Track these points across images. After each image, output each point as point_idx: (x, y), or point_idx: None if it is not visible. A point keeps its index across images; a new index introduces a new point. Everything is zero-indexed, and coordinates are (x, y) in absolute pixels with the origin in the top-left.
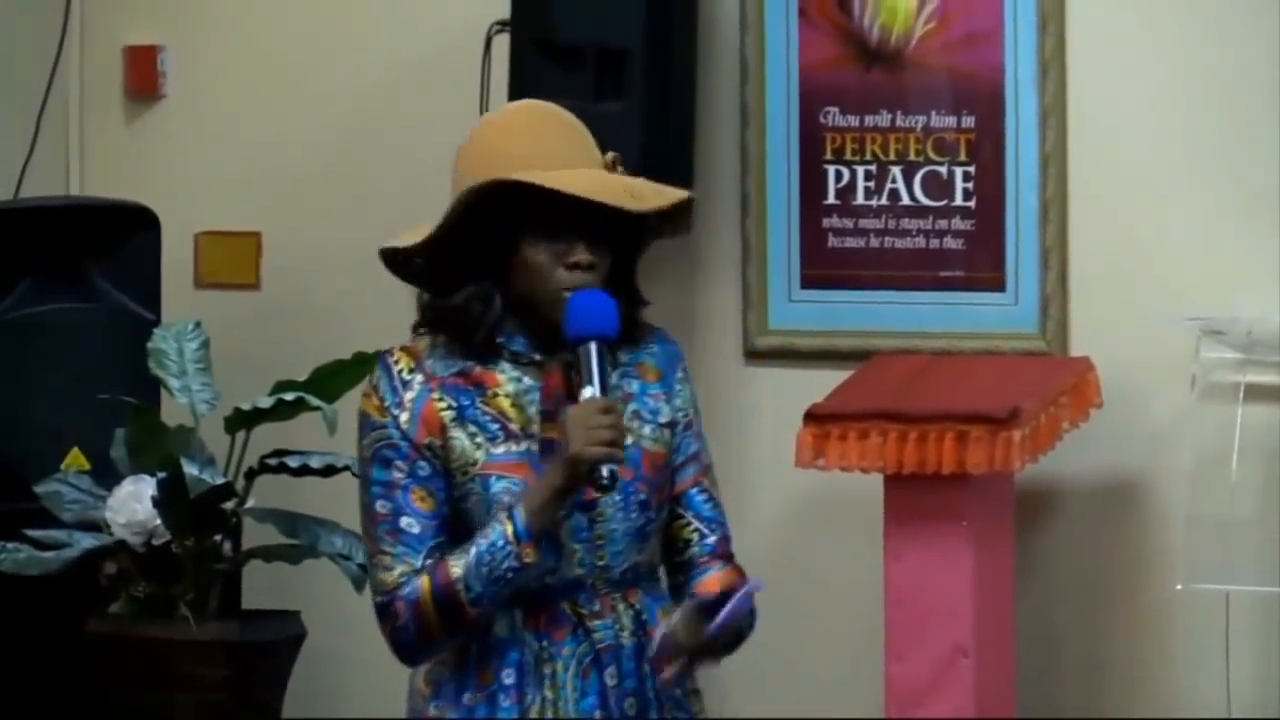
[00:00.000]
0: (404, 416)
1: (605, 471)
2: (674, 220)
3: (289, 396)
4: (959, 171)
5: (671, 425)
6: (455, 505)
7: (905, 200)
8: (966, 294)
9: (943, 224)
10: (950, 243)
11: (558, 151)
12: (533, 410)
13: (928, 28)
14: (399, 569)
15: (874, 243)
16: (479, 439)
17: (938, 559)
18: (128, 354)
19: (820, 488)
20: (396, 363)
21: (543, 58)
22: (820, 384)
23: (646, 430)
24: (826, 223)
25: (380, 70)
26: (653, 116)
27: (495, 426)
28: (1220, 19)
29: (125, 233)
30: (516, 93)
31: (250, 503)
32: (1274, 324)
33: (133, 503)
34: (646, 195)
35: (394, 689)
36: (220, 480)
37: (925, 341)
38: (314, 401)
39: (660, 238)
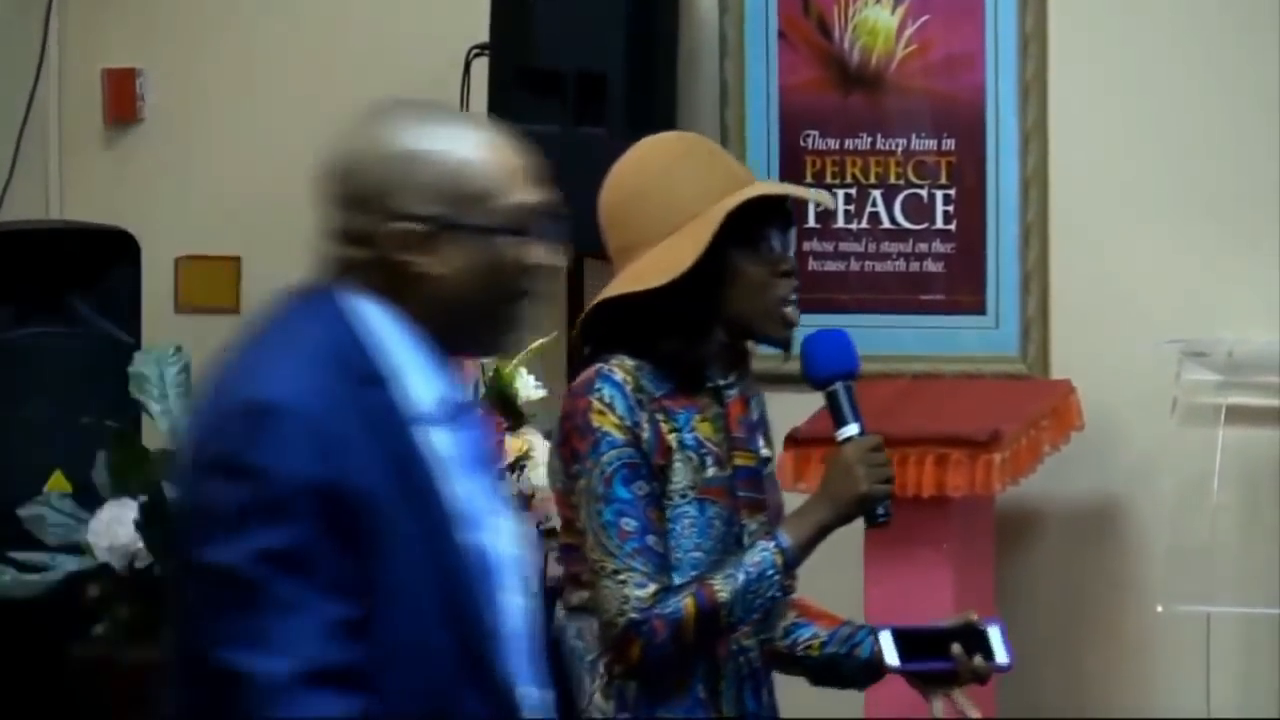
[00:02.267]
0: (645, 435)
1: (882, 509)
2: None
3: None
4: (939, 195)
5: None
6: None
7: (886, 224)
8: (947, 317)
9: (923, 247)
10: (931, 266)
11: (738, 168)
12: (722, 437)
13: (908, 50)
14: (651, 587)
15: (854, 266)
16: (694, 463)
17: (918, 582)
18: (109, 378)
19: None
20: (625, 381)
21: (522, 82)
22: (802, 408)
23: (770, 465)
24: (807, 246)
25: (360, 94)
26: (633, 141)
27: (704, 452)
28: (1203, 44)
29: (105, 257)
30: (495, 117)
31: None
32: (1255, 346)
33: (115, 526)
34: (822, 198)
35: None
36: None
37: (906, 365)
38: None
39: None
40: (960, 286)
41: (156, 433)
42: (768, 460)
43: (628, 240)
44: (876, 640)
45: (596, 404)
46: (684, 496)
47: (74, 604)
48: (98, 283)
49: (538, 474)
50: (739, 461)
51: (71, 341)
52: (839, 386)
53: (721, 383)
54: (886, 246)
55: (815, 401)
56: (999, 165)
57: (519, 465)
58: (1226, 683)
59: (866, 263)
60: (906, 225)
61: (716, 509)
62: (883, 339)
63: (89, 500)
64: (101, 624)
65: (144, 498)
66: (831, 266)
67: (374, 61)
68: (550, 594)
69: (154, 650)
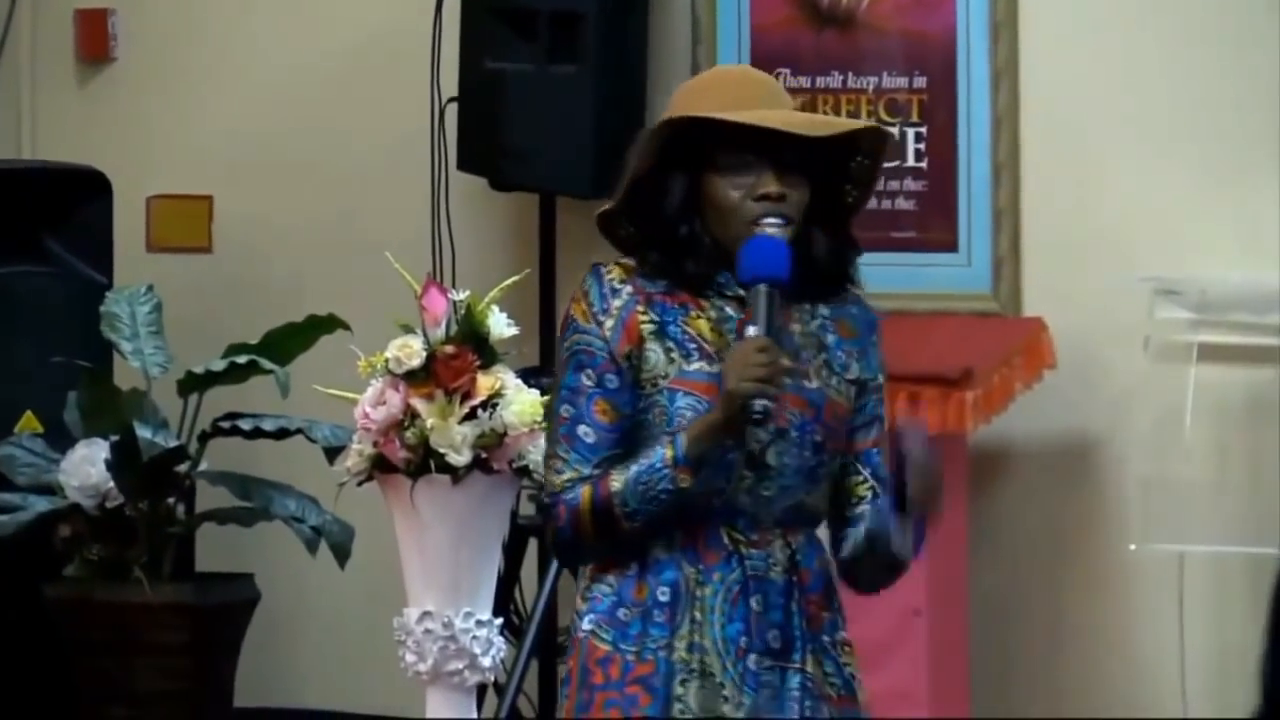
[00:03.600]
0: (609, 323)
1: (758, 406)
2: (869, 167)
3: (241, 360)
4: (911, 133)
5: (858, 383)
6: (638, 419)
7: None
8: (919, 255)
9: (895, 185)
10: (902, 204)
11: (748, 97)
12: (730, 338)
13: None
14: (567, 474)
15: None
16: (674, 354)
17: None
18: (80, 318)
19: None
20: (609, 272)
21: (495, 20)
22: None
23: (833, 381)
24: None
25: (333, 34)
26: (606, 79)
27: (692, 345)
28: None
29: (77, 197)
30: (468, 57)
31: (203, 466)
32: (1228, 284)
33: (86, 466)
34: (833, 124)
35: (345, 650)
36: (173, 443)
37: (877, 302)
38: (266, 364)
39: (866, 183)
40: (932, 224)
41: (128, 372)
42: (806, 373)
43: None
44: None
45: (576, 294)
46: (654, 385)
47: (45, 544)
48: (69, 222)
49: (509, 412)
50: None
51: (43, 281)
52: (760, 289)
53: (743, 293)
54: None
55: None
56: (970, 103)
57: (490, 403)
58: (1200, 620)
59: None
60: None
61: (692, 400)
62: None
63: (60, 440)
64: (73, 563)
65: (115, 438)
66: None
67: (347, 3)
68: (522, 532)
69: (126, 590)
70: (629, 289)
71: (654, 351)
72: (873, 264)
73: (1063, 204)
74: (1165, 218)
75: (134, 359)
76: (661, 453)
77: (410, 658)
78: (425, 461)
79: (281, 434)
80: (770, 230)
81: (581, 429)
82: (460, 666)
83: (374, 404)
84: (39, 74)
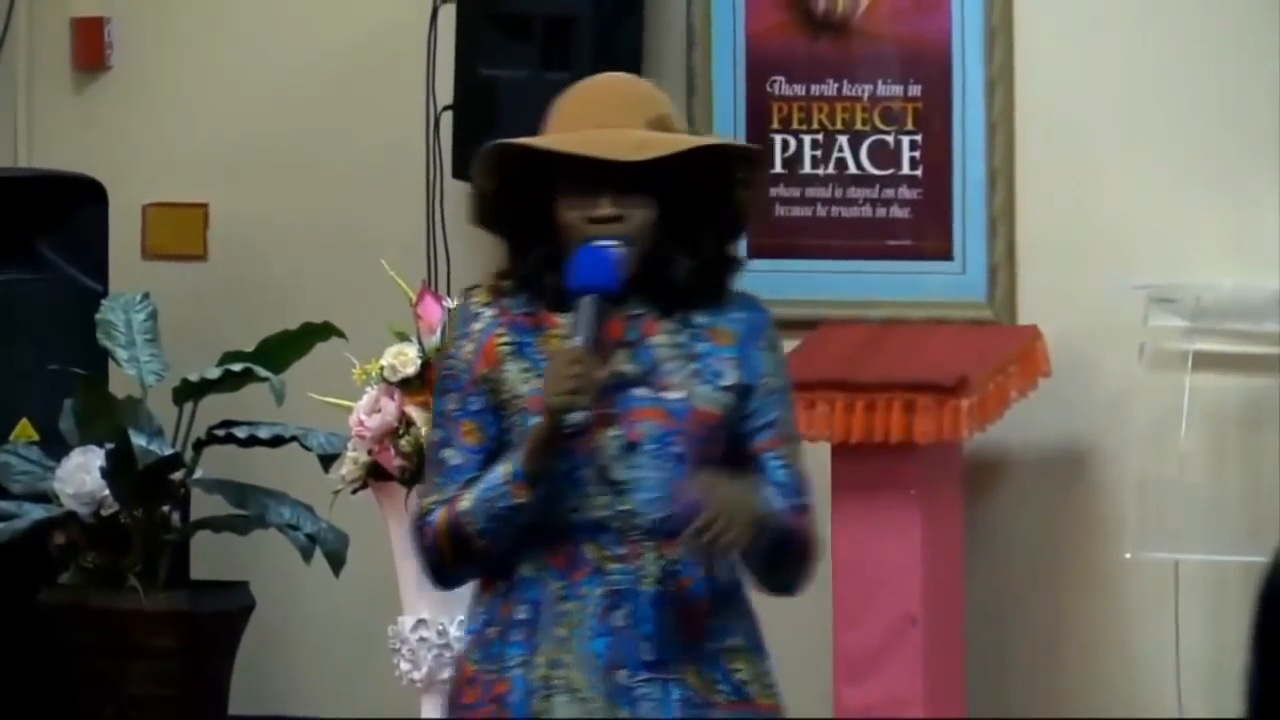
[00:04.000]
0: (468, 347)
1: (573, 418)
2: (751, 179)
3: (236, 367)
4: (906, 140)
5: (738, 389)
6: (502, 439)
7: (852, 169)
8: (914, 263)
9: (890, 193)
10: (897, 212)
11: (599, 114)
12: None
13: None
14: (433, 496)
15: (821, 212)
16: (529, 374)
17: (886, 528)
18: (76, 325)
19: None
20: (474, 297)
21: (490, 27)
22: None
23: (702, 390)
24: (773, 192)
25: (328, 41)
26: None
27: (544, 364)
28: None
29: (73, 204)
30: (463, 65)
31: (198, 473)
32: (1223, 291)
33: (81, 473)
34: (657, 147)
35: (340, 658)
36: (168, 451)
37: (872, 311)
38: (261, 372)
39: (744, 199)
40: (927, 232)
41: (123, 380)
42: (636, 381)
43: None
44: None
45: (449, 321)
46: (512, 407)
47: (41, 551)
48: (65, 230)
49: None
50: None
51: (38, 288)
52: (585, 300)
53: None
54: (853, 192)
55: None
56: (965, 110)
57: None
58: (1195, 628)
59: (833, 208)
60: (873, 171)
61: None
62: (849, 284)
63: (55, 448)
64: (68, 571)
65: (110, 445)
66: (798, 212)
67: (342, 8)
68: None
69: (121, 597)
70: (491, 311)
71: (509, 372)
72: (868, 272)
73: (1058, 211)
74: (1161, 225)
75: (129, 367)
76: (500, 469)
77: (405, 665)
78: (420, 469)
79: (276, 441)
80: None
81: (447, 452)
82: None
83: (369, 411)
84: (35, 81)
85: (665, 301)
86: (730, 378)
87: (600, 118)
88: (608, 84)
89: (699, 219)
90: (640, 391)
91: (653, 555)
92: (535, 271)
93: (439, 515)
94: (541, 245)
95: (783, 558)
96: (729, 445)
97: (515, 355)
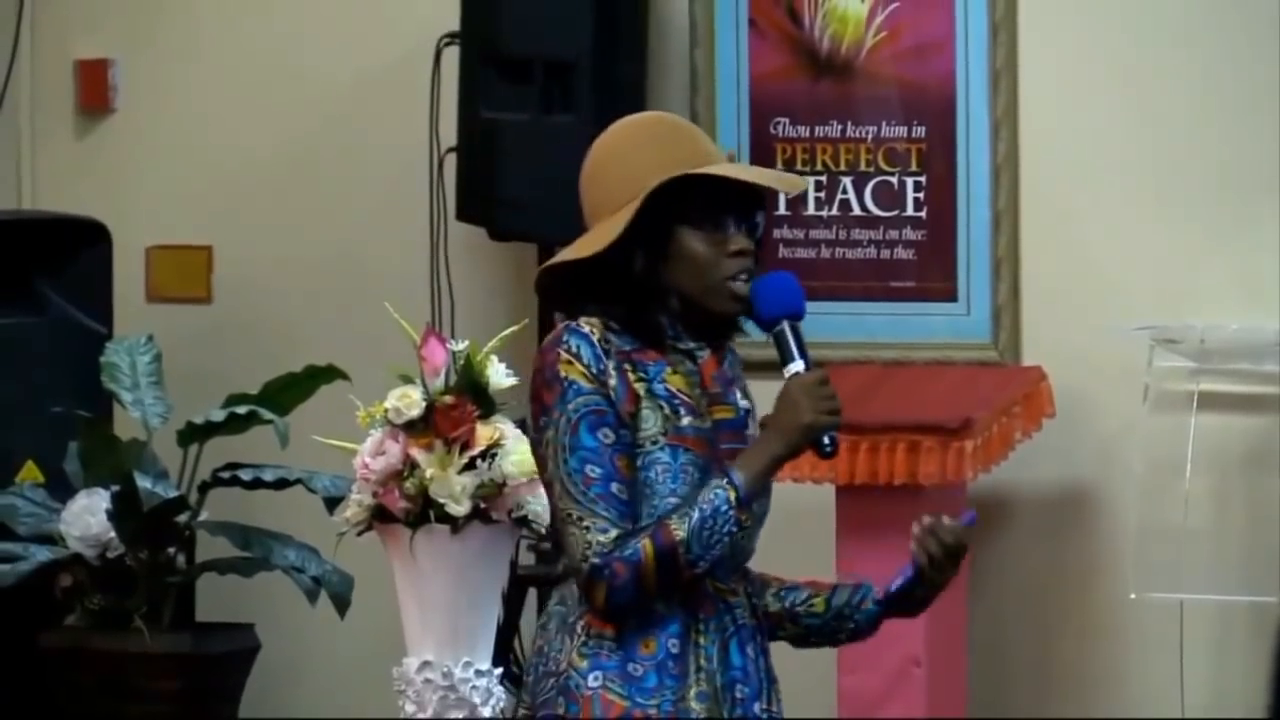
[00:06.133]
0: (612, 383)
1: (829, 439)
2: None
3: (241, 410)
4: (910, 182)
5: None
6: (638, 477)
7: (856, 211)
8: (918, 304)
9: (894, 234)
10: (901, 253)
11: (703, 150)
12: (697, 392)
13: (878, 38)
14: (614, 532)
15: (825, 253)
16: (665, 411)
17: (889, 570)
18: (80, 368)
19: (772, 499)
20: (592, 333)
21: (492, 70)
22: (772, 395)
23: (752, 420)
24: (777, 233)
25: (331, 84)
26: (601, 129)
27: (678, 402)
28: (1173, 31)
29: (77, 246)
30: (465, 106)
31: (203, 516)
32: (1227, 332)
33: (87, 516)
34: (791, 181)
35: (345, 700)
36: (173, 493)
37: (877, 352)
38: (266, 414)
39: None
40: (931, 273)
41: (128, 422)
42: (748, 412)
43: (590, 210)
44: (878, 591)
45: (564, 355)
46: (655, 443)
47: (46, 593)
48: (69, 272)
49: (508, 462)
50: (719, 415)
51: (42, 330)
52: (785, 326)
53: (691, 345)
54: (857, 233)
55: None
56: (969, 152)
57: (489, 454)
58: (1200, 669)
59: (837, 250)
60: (877, 212)
61: (690, 456)
62: (853, 326)
63: (61, 490)
64: (73, 613)
65: (115, 487)
66: (802, 253)
67: (345, 51)
68: (522, 582)
69: (125, 639)
70: (611, 348)
71: (649, 410)
72: (872, 313)
73: (1063, 252)
74: (1165, 266)
75: (134, 409)
76: (725, 495)
77: (410, 707)
78: (425, 511)
79: (281, 484)
80: (738, 286)
81: (615, 486)
82: (460, 716)
83: (373, 454)
84: (39, 124)
85: (716, 336)
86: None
87: (706, 151)
88: (681, 121)
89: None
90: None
91: (743, 588)
92: (655, 315)
93: (643, 547)
94: (648, 288)
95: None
96: None
97: (650, 394)
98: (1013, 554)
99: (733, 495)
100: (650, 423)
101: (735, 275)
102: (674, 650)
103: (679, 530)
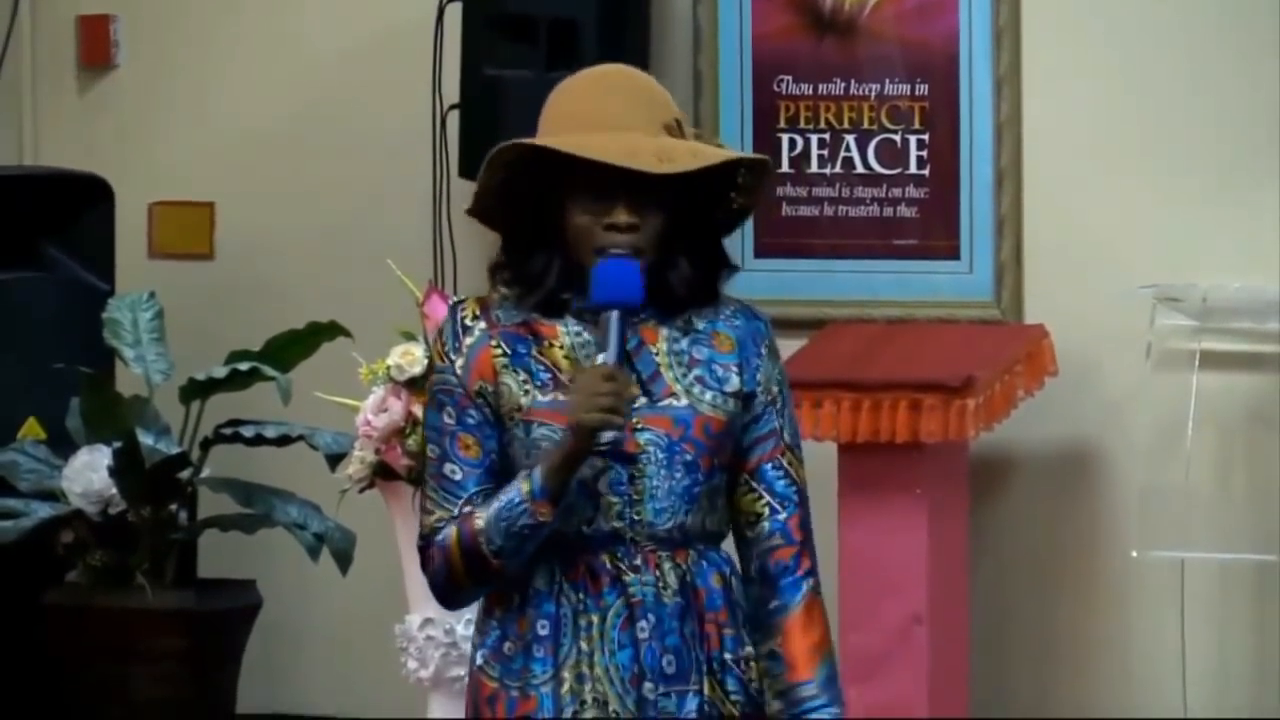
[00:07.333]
0: (460, 362)
1: (606, 437)
2: (752, 185)
3: (243, 366)
4: (913, 140)
5: (741, 397)
6: (503, 453)
7: (859, 169)
8: (921, 262)
9: (897, 192)
10: (904, 211)
11: (611, 114)
12: (586, 364)
13: None
14: (437, 514)
15: (828, 211)
16: (528, 385)
17: (892, 528)
18: (82, 324)
19: None
20: (463, 310)
21: (494, 29)
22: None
23: (706, 396)
24: (780, 191)
25: (335, 41)
26: None
27: (546, 375)
28: None
29: (79, 203)
30: (469, 65)
31: (205, 472)
32: (1229, 291)
33: (89, 472)
34: (679, 158)
35: (347, 657)
36: (175, 450)
37: (879, 310)
38: (268, 371)
39: (745, 205)
40: (934, 231)
41: (130, 379)
42: (649, 393)
43: None
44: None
45: (438, 334)
46: (511, 419)
47: (48, 550)
48: (71, 228)
49: None
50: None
51: (44, 287)
52: (611, 315)
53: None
54: (860, 191)
55: (786, 349)
56: (972, 110)
57: None
58: (1201, 627)
59: (840, 208)
60: (880, 170)
61: (546, 430)
62: (856, 284)
63: (63, 446)
64: (75, 570)
65: (117, 444)
66: (805, 211)
67: (349, 8)
68: None
69: (127, 596)
70: (483, 324)
71: (507, 384)
72: (875, 271)
73: (1065, 211)
74: (1167, 225)
75: (136, 366)
76: (519, 487)
77: (412, 664)
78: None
79: (283, 441)
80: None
81: (448, 467)
82: (462, 673)
83: (376, 411)
84: (40, 80)
85: (666, 307)
86: (733, 384)
87: (613, 118)
88: (615, 79)
89: (702, 225)
90: (644, 400)
91: (669, 565)
92: (538, 275)
93: (449, 534)
94: (541, 247)
95: None
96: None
97: (510, 368)
98: (1015, 512)
99: (525, 487)
100: (508, 396)
101: (606, 249)
102: (542, 632)
103: (479, 519)
